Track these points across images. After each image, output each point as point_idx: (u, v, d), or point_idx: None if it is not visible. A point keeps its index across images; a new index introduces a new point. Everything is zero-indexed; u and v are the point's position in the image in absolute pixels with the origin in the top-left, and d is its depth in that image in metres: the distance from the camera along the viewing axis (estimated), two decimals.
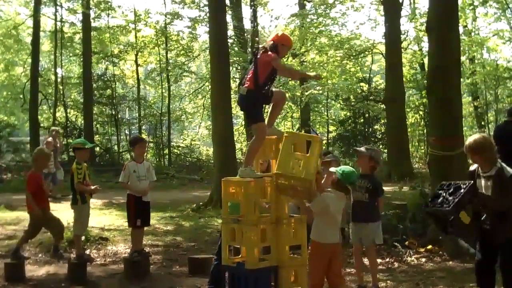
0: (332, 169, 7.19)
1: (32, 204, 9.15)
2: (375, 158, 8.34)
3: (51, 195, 16.31)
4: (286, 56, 8.02)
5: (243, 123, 34.47)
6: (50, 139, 18.50)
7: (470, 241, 9.82)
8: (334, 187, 7.00)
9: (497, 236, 6.54)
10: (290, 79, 32.16)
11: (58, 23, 34.81)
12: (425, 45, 29.76)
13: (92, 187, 9.38)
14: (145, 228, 12.68)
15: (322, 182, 9.49)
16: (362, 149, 8.63)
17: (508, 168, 6.55)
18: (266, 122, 7.76)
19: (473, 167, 6.84)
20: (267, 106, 8.01)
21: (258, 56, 7.49)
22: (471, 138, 6.72)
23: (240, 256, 7.44)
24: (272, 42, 7.59)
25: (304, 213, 7.15)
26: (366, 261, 8.83)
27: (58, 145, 18.97)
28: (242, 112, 35.19)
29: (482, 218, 6.59)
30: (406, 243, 10.52)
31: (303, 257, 7.45)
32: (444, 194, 6.55)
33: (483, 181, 6.62)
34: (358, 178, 8.12)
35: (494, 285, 6.78)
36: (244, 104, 7.62)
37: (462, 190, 6.37)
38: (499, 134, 10.96)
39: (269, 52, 7.47)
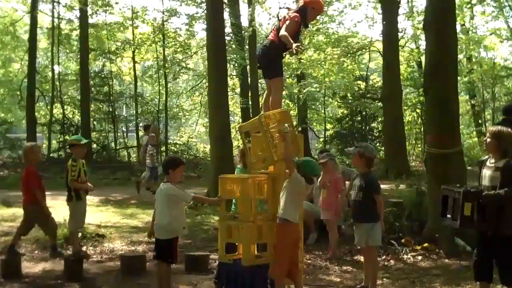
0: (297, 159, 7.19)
1: (42, 202, 9.25)
2: (365, 153, 8.03)
3: (150, 189, 16.94)
4: (313, 21, 8.04)
5: (240, 120, 34.49)
6: (153, 134, 18.72)
7: (466, 238, 9.86)
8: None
9: (495, 231, 6.58)
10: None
11: (56, 20, 34.71)
12: (423, 43, 29.76)
13: (87, 185, 9.38)
14: (141, 225, 12.77)
15: (319, 180, 9.54)
16: (351, 149, 8.50)
17: None
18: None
19: (483, 157, 7.01)
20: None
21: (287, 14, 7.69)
22: (499, 126, 7.05)
23: (236, 253, 7.46)
24: (303, 3, 7.65)
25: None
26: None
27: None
28: (239, 110, 35.32)
29: (480, 213, 6.61)
30: (403, 241, 10.53)
31: (300, 254, 7.47)
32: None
33: (488, 171, 6.71)
34: (354, 177, 8.15)
35: (492, 280, 6.80)
36: (266, 56, 7.71)
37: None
38: None
39: (295, 13, 7.60)
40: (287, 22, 7.67)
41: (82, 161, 9.43)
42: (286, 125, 7.11)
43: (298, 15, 7.67)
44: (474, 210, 6.58)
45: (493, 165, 6.71)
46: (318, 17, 26.91)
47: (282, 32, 7.59)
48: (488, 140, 6.80)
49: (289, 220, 6.92)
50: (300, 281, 7.22)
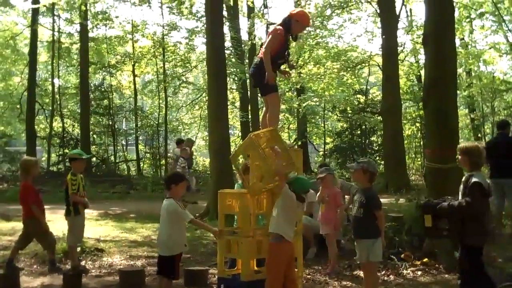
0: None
1: (40, 218, 9.26)
2: (369, 169, 7.90)
3: (185, 200, 16.93)
4: (300, 33, 7.97)
5: (240, 134, 34.51)
6: (186, 147, 18.94)
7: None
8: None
9: (460, 240, 7.07)
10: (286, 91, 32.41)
11: (56, 34, 34.86)
12: (422, 57, 29.84)
13: (86, 200, 9.42)
14: (141, 240, 12.73)
15: (317, 195, 9.52)
16: (353, 164, 8.44)
17: (481, 177, 7.03)
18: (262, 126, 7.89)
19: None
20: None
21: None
22: (468, 142, 7.70)
23: (236, 268, 7.44)
24: (287, 15, 7.68)
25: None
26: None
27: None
28: (239, 123, 35.37)
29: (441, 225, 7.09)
30: (402, 255, 10.49)
31: (299, 269, 7.45)
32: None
33: (461, 186, 7.14)
34: (355, 193, 8.10)
35: None
36: (257, 74, 7.73)
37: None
38: (487, 145, 11.45)
39: (278, 27, 7.64)
40: (269, 37, 7.75)
41: (81, 175, 9.44)
42: (288, 142, 7.20)
43: (280, 28, 7.73)
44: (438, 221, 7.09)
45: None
46: (309, 30, 27.28)
47: (263, 50, 7.74)
48: (459, 157, 7.29)
49: (283, 236, 6.90)
50: None
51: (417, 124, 35.15)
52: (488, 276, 7.09)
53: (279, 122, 33.69)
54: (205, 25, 23.36)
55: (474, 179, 6.90)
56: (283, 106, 34.51)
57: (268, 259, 6.99)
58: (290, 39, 8.01)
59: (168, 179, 7.99)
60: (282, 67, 8.30)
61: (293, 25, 7.74)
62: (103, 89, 35.50)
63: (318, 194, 10.24)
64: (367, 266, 8.01)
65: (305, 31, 25.84)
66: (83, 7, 26.80)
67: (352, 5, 27.75)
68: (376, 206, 7.85)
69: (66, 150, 32.88)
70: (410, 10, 33.52)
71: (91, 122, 33.71)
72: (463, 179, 7.14)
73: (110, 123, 35.72)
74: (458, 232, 6.98)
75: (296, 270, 7.46)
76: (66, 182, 9.29)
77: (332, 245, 10.10)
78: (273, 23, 8.07)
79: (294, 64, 8.34)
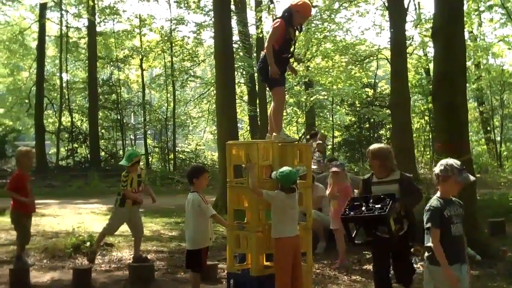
0: (273, 174, 7.10)
1: (16, 202, 9.08)
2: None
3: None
4: (302, 24, 7.87)
5: (248, 128, 34.50)
6: (320, 141, 19.04)
7: (476, 248, 9.78)
8: (281, 191, 6.97)
9: (395, 244, 7.04)
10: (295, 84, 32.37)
11: (64, 28, 34.94)
12: (431, 51, 29.74)
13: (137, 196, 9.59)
14: (150, 234, 12.74)
15: (328, 192, 9.48)
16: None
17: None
18: (272, 127, 7.84)
19: (366, 176, 7.65)
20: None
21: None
22: (374, 145, 7.61)
23: (245, 263, 7.42)
24: (288, 7, 7.66)
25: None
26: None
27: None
28: (247, 118, 35.36)
29: (379, 228, 7.00)
30: (412, 250, 10.45)
31: (308, 264, 7.43)
32: (366, 204, 7.02)
33: (381, 187, 7.16)
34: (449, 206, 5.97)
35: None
36: (263, 69, 7.75)
37: (388, 199, 6.88)
38: None
39: (278, 19, 7.64)
40: (270, 31, 7.77)
41: (144, 171, 9.52)
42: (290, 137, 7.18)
43: (280, 20, 7.72)
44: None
45: (384, 179, 7.25)
46: (316, 24, 27.19)
47: (266, 45, 7.80)
48: (370, 161, 7.42)
49: (277, 237, 6.93)
50: None
51: (426, 118, 35.07)
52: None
53: (287, 116, 33.64)
54: (212, 19, 23.34)
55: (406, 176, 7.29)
56: (291, 100, 34.48)
57: (274, 255, 7.01)
58: (296, 31, 7.94)
59: (189, 173, 8.00)
60: (291, 60, 8.26)
61: (294, 16, 7.70)
62: (111, 84, 35.58)
63: (329, 189, 10.22)
64: None
65: (311, 23, 25.99)
66: (90, 2, 26.83)
67: None
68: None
69: (75, 145, 33.03)
70: (419, 3, 33.32)
71: (100, 117, 33.81)
72: (381, 178, 7.27)
73: (119, 117, 35.80)
74: (399, 237, 7.03)
75: (305, 264, 7.44)
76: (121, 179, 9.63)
77: (341, 240, 10.07)
78: (279, 17, 8.00)
79: (296, 69, 8.33)
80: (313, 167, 18.24)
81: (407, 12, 25.71)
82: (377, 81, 36.33)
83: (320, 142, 18.83)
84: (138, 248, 9.76)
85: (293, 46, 7.96)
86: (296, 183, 6.97)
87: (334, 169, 10.22)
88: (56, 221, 13.78)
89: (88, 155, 32.87)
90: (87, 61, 33.66)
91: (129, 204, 9.50)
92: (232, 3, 24.18)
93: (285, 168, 6.93)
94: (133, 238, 10.00)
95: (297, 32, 8.05)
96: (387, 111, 27.71)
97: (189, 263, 7.75)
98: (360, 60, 30.56)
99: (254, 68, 29.71)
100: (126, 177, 9.44)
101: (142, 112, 36.45)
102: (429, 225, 5.66)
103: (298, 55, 26.39)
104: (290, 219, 6.98)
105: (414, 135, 29.79)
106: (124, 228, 13.13)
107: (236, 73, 26.75)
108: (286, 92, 19.91)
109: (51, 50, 39.76)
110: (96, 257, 9.67)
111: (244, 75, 31.71)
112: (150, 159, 36.00)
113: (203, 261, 7.66)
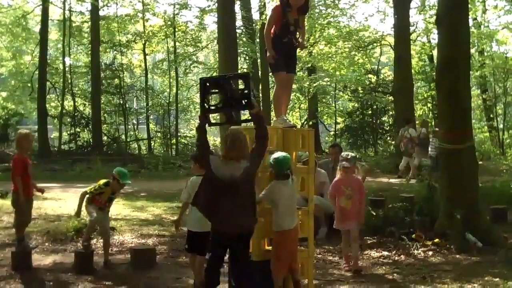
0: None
1: (20, 191, 8.93)
2: None
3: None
4: (301, 5, 7.68)
5: None
6: (421, 130, 19.67)
7: (477, 234, 9.79)
8: (276, 179, 6.87)
9: (231, 231, 6.39)
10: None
11: (67, 12, 34.83)
12: (435, 37, 29.68)
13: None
14: (152, 218, 12.76)
15: (329, 193, 9.31)
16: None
17: None
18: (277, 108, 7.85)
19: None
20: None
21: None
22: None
23: None
24: None
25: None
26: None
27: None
28: None
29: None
30: (413, 236, 10.47)
31: (309, 249, 7.44)
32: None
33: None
34: None
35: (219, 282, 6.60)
36: (266, 53, 7.77)
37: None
38: None
39: (275, 3, 7.65)
40: (268, 16, 7.78)
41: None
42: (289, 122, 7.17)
43: (276, 4, 7.71)
44: None
45: None
46: (320, 9, 27.08)
47: (265, 31, 7.79)
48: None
49: (276, 230, 6.89)
50: (298, 277, 7.10)
51: (429, 105, 35.03)
52: None
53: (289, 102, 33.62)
54: (216, 4, 23.26)
55: None
56: (294, 86, 34.40)
57: (272, 244, 7.04)
58: (299, 16, 7.78)
59: (192, 156, 8.00)
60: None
61: None
62: (114, 68, 35.52)
63: (334, 180, 9.50)
64: None
65: (315, 9, 25.89)
66: None
67: None
68: None
69: (77, 129, 33.03)
70: None
71: (102, 101, 33.74)
72: None
73: (121, 102, 35.76)
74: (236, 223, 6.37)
75: (307, 250, 7.44)
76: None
77: (356, 241, 9.08)
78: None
79: (305, 43, 8.21)
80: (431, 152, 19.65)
81: None
82: (380, 67, 36.28)
83: (423, 130, 20.45)
84: (108, 252, 9.47)
85: (298, 32, 7.80)
86: (291, 169, 6.89)
87: (344, 164, 9.02)
88: (58, 204, 13.80)
89: (91, 140, 32.86)
90: (90, 46, 33.58)
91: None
92: None
93: (279, 154, 6.86)
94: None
95: (306, 20, 7.97)
96: (390, 97, 27.70)
97: (194, 247, 7.59)
98: (364, 46, 30.54)
99: (257, 54, 29.65)
100: (103, 189, 8.94)
101: (145, 97, 36.41)
102: None
103: (306, 41, 26.27)
104: (288, 211, 6.88)
105: (417, 122, 29.77)
106: (126, 212, 13.20)
107: (239, 58, 26.69)
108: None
109: (54, 34, 39.64)
110: (90, 245, 9.44)
111: (247, 61, 31.64)
112: (152, 144, 36.01)
113: (208, 244, 7.56)
